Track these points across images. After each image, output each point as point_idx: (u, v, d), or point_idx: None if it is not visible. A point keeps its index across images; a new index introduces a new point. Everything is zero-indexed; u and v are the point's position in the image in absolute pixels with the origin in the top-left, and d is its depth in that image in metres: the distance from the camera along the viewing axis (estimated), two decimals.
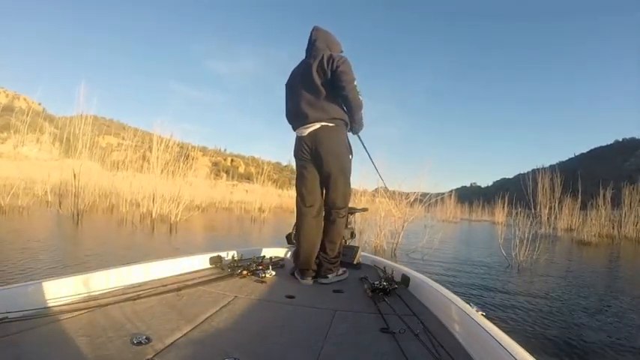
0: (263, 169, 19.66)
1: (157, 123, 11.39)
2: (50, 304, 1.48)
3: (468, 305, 1.48)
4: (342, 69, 2.20)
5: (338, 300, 1.94)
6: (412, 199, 8.71)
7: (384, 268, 2.49)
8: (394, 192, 8.51)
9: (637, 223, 14.43)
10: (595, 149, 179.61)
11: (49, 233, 7.36)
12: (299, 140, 2.36)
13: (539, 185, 14.90)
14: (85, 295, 1.65)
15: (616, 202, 15.63)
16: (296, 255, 2.36)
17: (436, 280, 1.96)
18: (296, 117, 2.38)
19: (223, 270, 2.35)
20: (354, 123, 2.44)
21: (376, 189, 9.59)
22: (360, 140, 2.68)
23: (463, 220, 26.38)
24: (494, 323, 1.26)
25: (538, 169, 15.20)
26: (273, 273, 2.29)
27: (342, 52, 2.48)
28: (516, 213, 9.43)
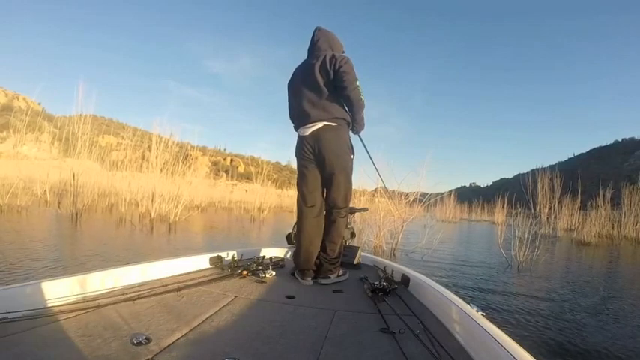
0: (262, 168, 19.60)
1: (156, 122, 11.39)
2: (50, 304, 1.48)
3: (468, 305, 1.48)
4: (344, 69, 2.20)
5: (338, 300, 1.93)
6: (412, 199, 8.70)
7: (384, 268, 2.49)
8: (393, 192, 8.51)
9: (636, 223, 14.41)
10: (594, 149, 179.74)
11: (47, 233, 7.35)
12: (301, 140, 2.36)
13: (539, 185, 14.89)
14: (85, 295, 1.65)
15: (615, 203, 15.64)
16: (296, 255, 2.36)
17: (436, 281, 1.96)
18: (298, 116, 2.38)
19: (223, 270, 2.36)
20: (355, 123, 2.44)
21: (375, 189, 9.58)
22: (361, 140, 2.68)
23: (462, 220, 26.34)
24: (495, 323, 1.26)
25: (538, 170, 15.20)
26: (273, 273, 2.29)
27: (344, 52, 2.48)
28: (516, 213, 9.43)
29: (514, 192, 13.40)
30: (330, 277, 2.28)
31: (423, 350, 1.23)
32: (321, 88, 2.25)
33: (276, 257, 2.91)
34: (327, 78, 2.24)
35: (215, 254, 2.51)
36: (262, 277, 2.20)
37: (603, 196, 14.69)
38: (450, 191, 24.57)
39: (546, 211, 14.86)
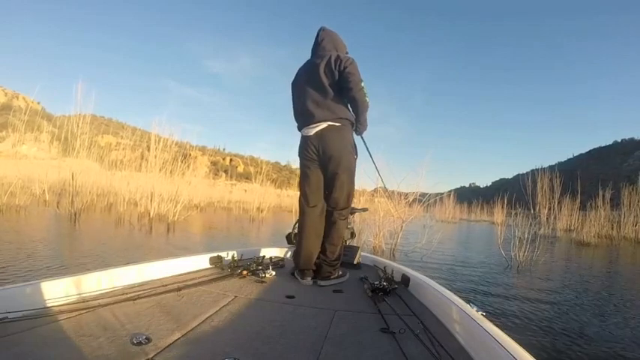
0: (262, 168, 19.57)
1: (155, 122, 11.36)
2: (50, 304, 1.48)
3: (468, 305, 1.48)
4: (349, 70, 2.21)
5: (338, 300, 1.94)
6: (411, 199, 8.70)
7: (384, 268, 2.49)
8: (393, 192, 8.51)
9: (636, 223, 14.42)
10: (594, 150, 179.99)
11: (45, 233, 7.32)
12: (305, 140, 2.36)
13: (539, 185, 14.88)
14: (85, 295, 1.64)
15: (615, 203, 15.65)
16: (296, 255, 2.36)
17: (436, 281, 1.96)
18: (302, 116, 2.38)
19: (223, 270, 2.36)
20: (359, 124, 2.44)
21: (375, 189, 9.57)
22: (363, 141, 2.68)
23: (462, 221, 26.33)
24: (494, 323, 1.26)
25: (537, 170, 15.17)
26: (273, 273, 2.29)
27: (347, 52, 2.49)
28: (515, 213, 9.42)
29: (513, 192, 13.37)
30: (329, 279, 2.28)
31: (423, 350, 1.23)
32: (326, 89, 2.25)
33: (276, 257, 2.91)
34: (332, 79, 2.25)
35: (215, 254, 2.51)
36: (262, 277, 2.20)
37: (603, 196, 14.69)
38: (450, 191, 24.65)
39: (546, 211, 14.86)
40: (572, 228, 14.80)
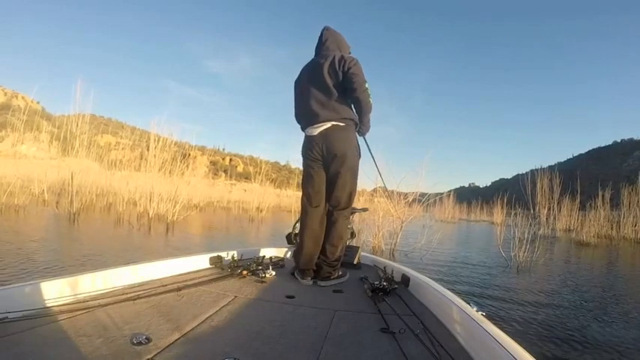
0: (261, 168, 19.56)
1: (154, 122, 11.35)
2: (50, 304, 1.48)
3: (468, 305, 1.48)
4: (353, 71, 2.21)
5: (338, 300, 1.94)
6: (411, 199, 8.70)
7: (384, 268, 2.49)
8: (392, 192, 8.50)
9: (635, 223, 14.44)
10: (593, 150, 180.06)
11: (44, 233, 7.31)
12: (309, 139, 2.35)
13: (538, 186, 14.90)
14: (85, 295, 1.64)
15: (615, 203, 15.66)
16: (297, 254, 2.35)
17: (435, 281, 1.96)
18: (305, 116, 2.37)
19: (223, 270, 2.35)
20: (362, 125, 2.44)
21: (374, 189, 9.57)
22: (366, 142, 2.67)
23: (461, 221, 26.35)
24: (494, 323, 1.26)
25: (537, 170, 15.19)
26: (273, 273, 2.29)
27: (350, 53, 2.48)
28: (515, 213, 9.42)
29: (513, 192, 13.39)
30: (329, 279, 2.28)
31: (423, 350, 1.23)
32: (330, 89, 2.25)
33: (276, 257, 2.91)
34: (336, 79, 2.25)
35: (215, 254, 2.51)
36: (262, 277, 2.20)
37: (602, 196, 14.71)
38: (449, 191, 24.69)
39: (545, 211, 14.87)
40: (572, 228, 14.83)
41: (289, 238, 3.01)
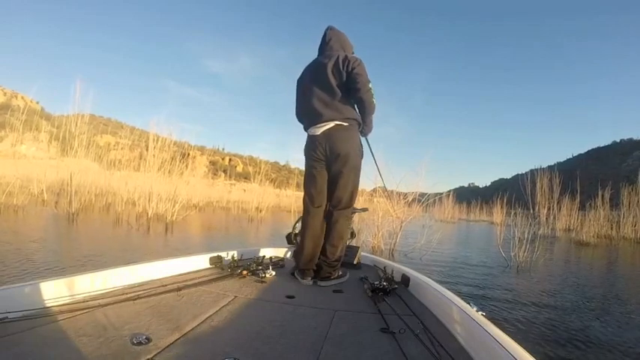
0: (261, 168, 19.55)
1: (153, 121, 11.34)
2: (50, 304, 1.48)
3: (468, 305, 1.48)
4: (357, 71, 2.21)
5: (338, 300, 1.93)
6: (410, 199, 8.70)
7: (384, 268, 2.49)
8: (392, 192, 8.50)
9: (635, 223, 14.43)
10: (593, 150, 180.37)
11: (42, 233, 7.29)
12: (311, 139, 2.34)
13: (538, 185, 14.88)
14: (85, 295, 1.64)
15: (614, 203, 15.66)
16: (298, 254, 2.35)
17: (436, 281, 1.96)
18: (308, 116, 2.37)
19: (223, 270, 2.35)
20: (364, 125, 2.44)
21: (374, 189, 9.57)
22: (368, 142, 2.67)
23: (461, 221, 26.34)
24: (495, 323, 1.26)
25: (536, 170, 15.16)
26: (273, 273, 2.29)
27: (353, 53, 2.48)
28: (515, 213, 9.42)
29: (513, 192, 13.38)
30: (329, 279, 2.28)
31: (423, 350, 1.23)
32: (334, 89, 2.25)
33: (276, 257, 2.91)
34: (340, 79, 2.24)
35: (215, 254, 2.51)
36: (262, 277, 2.20)
37: (602, 196, 14.70)
38: (449, 191, 24.69)
39: (545, 211, 14.85)
40: (572, 228, 14.83)
41: (289, 238, 3.01)
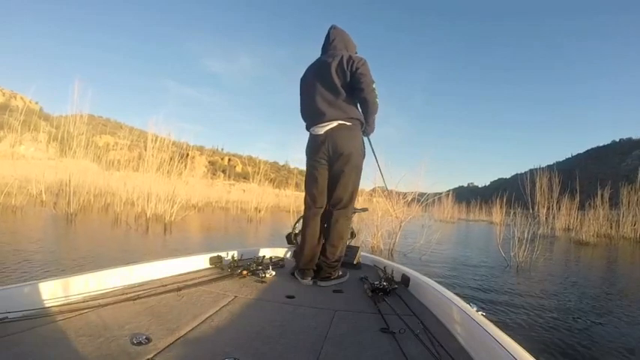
0: (260, 168, 19.54)
1: (151, 121, 11.33)
2: (50, 304, 1.48)
3: (468, 305, 1.48)
4: (361, 71, 2.20)
5: (338, 300, 1.93)
6: (410, 199, 8.70)
7: (384, 268, 2.49)
8: (391, 191, 8.50)
9: (635, 223, 14.45)
10: (592, 149, 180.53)
11: (41, 234, 7.28)
12: (314, 139, 2.34)
13: (537, 185, 14.89)
14: (85, 295, 1.64)
15: (614, 202, 15.66)
16: (299, 254, 2.35)
17: (436, 281, 1.96)
18: (311, 115, 2.36)
19: (223, 270, 2.35)
20: (367, 125, 2.43)
21: (373, 188, 9.57)
22: (370, 142, 2.67)
23: (460, 220, 26.34)
24: (495, 323, 1.26)
25: (536, 169, 15.19)
26: (273, 273, 2.29)
27: (356, 52, 2.49)
28: (514, 213, 9.42)
29: (512, 192, 13.37)
30: (329, 280, 2.27)
31: (423, 350, 1.23)
32: (338, 89, 2.25)
33: (276, 257, 2.91)
34: (344, 79, 2.24)
35: (215, 254, 2.50)
36: (262, 277, 2.20)
37: (601, 195, 14.68)
38: (448, 191, 24.65)
39: (545, 210, 14.86)
40: (571, 227, 14.84)
41: (289, 238, 3.01)
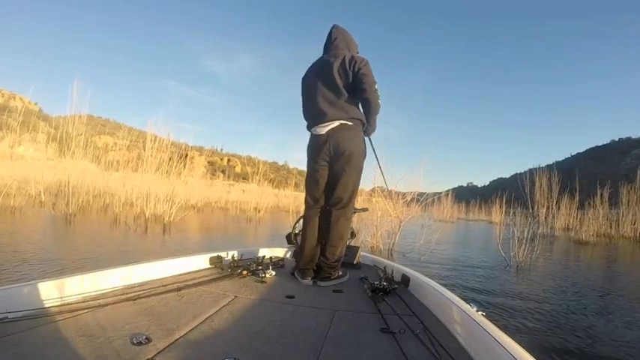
0: (259, 168, 19.55)
1: (150, 122, 11.31)
2: (50, 304, 1.48)
3: (468, 305, 1.48)
4: (364, 71, 2.21)
5: (338, 300, 1.93)
6: (409, 199, 8.70)
7: (384, 268, 2.49)
8: (391, 191, 8.50)
9: (634, 222, 14.45)
10: (591, 149, 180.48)
11: (40, 234, 7.26)
12: (315, 138, 2.34)
13: (537, 185, 14.90)
14: (85, 294, 1.64)
15: (613, 202, 15.68)
16: (299, 253, 2.35)
17: (435, 281, 1.96)
18: (313, 115, 2.36)
19: (223, 270, 2.35)
20: (368, 125, 2.43)
21: (373, 188, 9.57)
22: (371, 143, 2.67)
23: (460, 220, 26.38)
24: (494, 323, 1.26)
25: (535, 169, 15.19)
26: (273, 273, 2.29)
27: (358, 52, 2.49)
28: (514, 213, 9.42)
29: (512, 191, 13.38)
30: (329, 280, 2.27)
31: (423, 350, 1.23)
32: (340, 89, 2.25)
33: (276, 257, 2.91)
34: (346, 79, 2.24)
35: (215, 254, 2.51)
36: (262, 277, 2.20)
37: (601, 195, 14.67)
38: (447, 191, 24.66)
39: (544, 210, 14.86)
40: (571, 227, 14.85)
41: (289, 238, 3.01)
